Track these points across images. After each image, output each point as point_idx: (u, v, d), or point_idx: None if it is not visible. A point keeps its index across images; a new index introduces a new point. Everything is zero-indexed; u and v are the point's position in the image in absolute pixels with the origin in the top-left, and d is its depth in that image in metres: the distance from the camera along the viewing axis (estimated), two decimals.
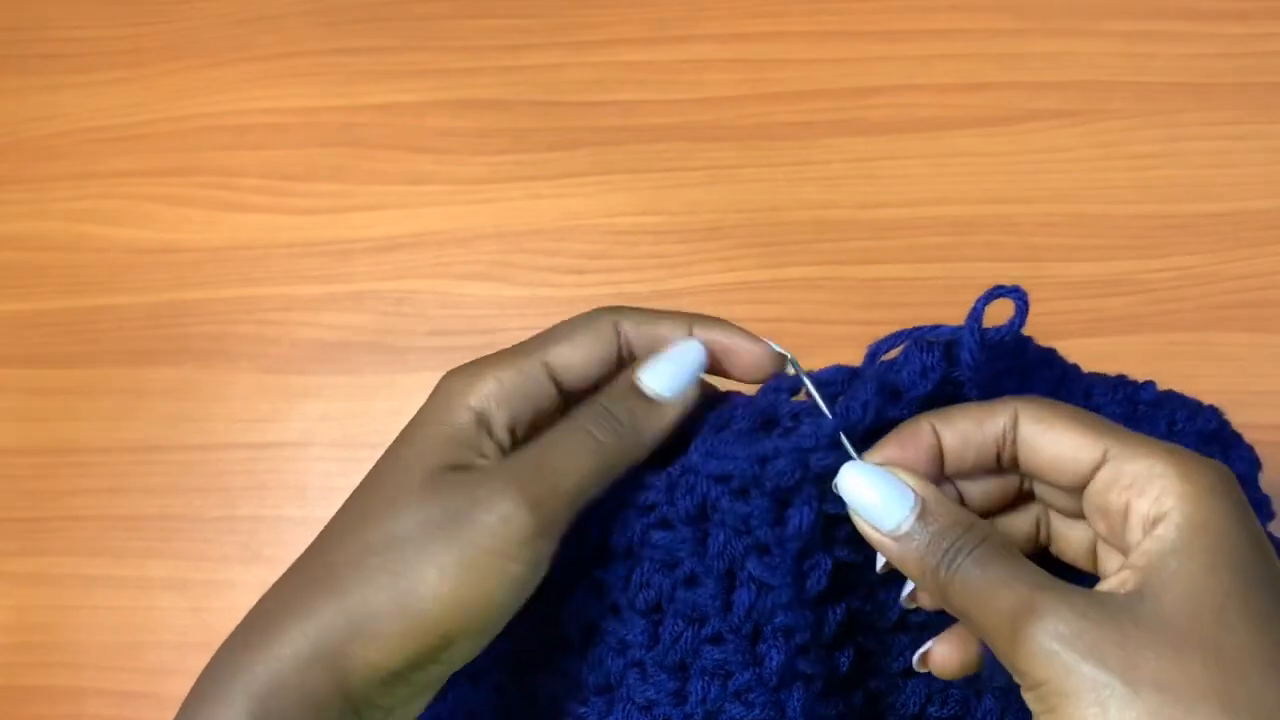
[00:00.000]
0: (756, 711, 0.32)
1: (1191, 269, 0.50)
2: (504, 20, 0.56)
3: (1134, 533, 0.28)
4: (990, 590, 0.27)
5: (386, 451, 0.32)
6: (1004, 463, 0.30)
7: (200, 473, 0.52)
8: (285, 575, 0.31)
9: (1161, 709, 0.25)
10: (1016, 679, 0.28)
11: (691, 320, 0.34)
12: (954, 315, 0.39)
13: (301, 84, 0.57)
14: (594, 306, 0.53)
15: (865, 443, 0.31)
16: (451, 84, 0.56)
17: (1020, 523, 0.32)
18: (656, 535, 0.32)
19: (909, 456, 0.30)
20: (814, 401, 0.31)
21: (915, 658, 0.32)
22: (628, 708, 0.33)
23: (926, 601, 0.31)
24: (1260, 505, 0.35)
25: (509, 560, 0.29)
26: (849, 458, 0.30)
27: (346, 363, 0.52)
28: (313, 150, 0.56)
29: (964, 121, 0.53)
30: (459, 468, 0.30)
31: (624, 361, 0.33)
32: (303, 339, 0.53)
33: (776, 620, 0.32)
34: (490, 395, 0.31)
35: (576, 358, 0.32)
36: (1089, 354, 0.45)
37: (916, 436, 0.30)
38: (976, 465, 0.30)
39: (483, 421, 0.31)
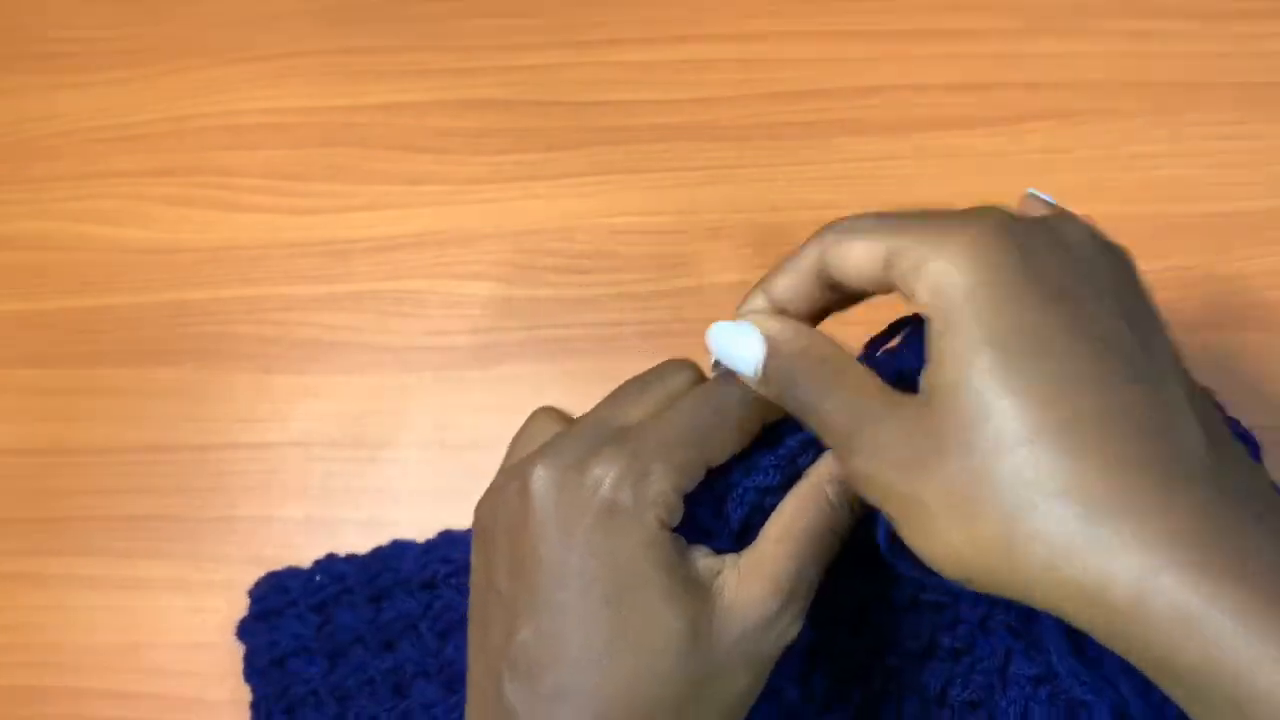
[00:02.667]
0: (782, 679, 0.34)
1: (1191, 269, 0.50)
2: (504, 20, 0.56)
3: (929, 330, 0.28)
4: (823, 425, 0.29)
5: (592, 591, 0.30)
6: (840, 291, 0.32)
7: (200, 473, 0.52)
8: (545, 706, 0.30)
9: (955, 512, 0.26)
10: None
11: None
12: None
13: (301, 84, 0.57)
14: (594, 307, 0.53)
15: None
16: (451, 84, 0.56)
17: None
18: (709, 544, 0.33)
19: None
20: None
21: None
22: None
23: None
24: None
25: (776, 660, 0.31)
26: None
27: (346, 363, 0.52)
28: (313, 150, 0.56)
29: (964, 121, 0.53)
30: (703, 593, 0.30)
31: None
32: (303, 339, 0.53)
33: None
34: (677, 504, 0.31)
35: (730, 446, 0.32)
36: None
37: (748, 304, 0.33)
38: (815, 307, 0.32)
39: (665, 524, 0.31)
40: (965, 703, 0.36)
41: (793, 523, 0.31)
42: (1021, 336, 0.25)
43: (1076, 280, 0.27)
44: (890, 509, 0.28)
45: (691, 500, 0.32)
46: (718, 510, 0.33)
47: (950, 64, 0.53)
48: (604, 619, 0.29)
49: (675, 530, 0.31)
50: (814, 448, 0.33)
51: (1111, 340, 0.26)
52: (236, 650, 0.47)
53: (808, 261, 0.31)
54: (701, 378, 0.34)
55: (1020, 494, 0.25)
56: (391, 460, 0.51)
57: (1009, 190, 0.52)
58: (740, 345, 0.31)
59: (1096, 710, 0.32)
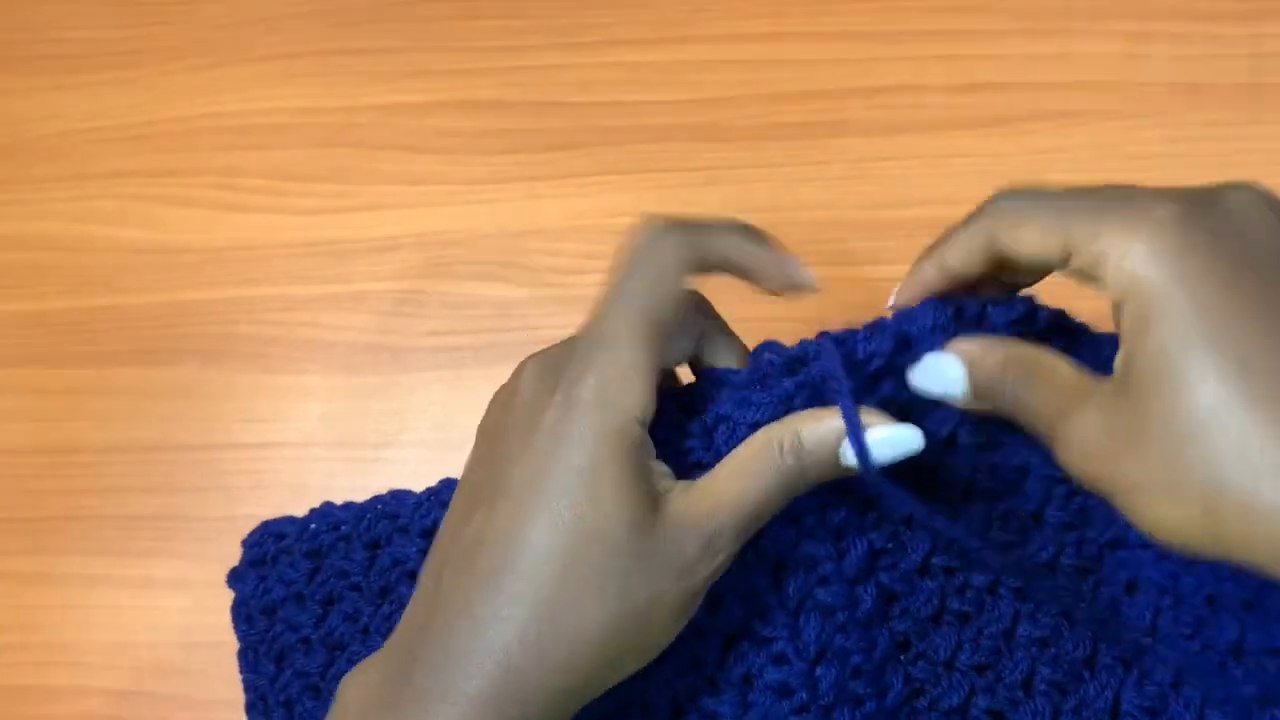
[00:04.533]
0: (774, 629, 0.35)
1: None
2: (504, 21, 0.56)
3: (1120, 318, 0.29)
4: (1033, 424, 0.31)
5: (557, 472, 0.31)
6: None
7: (200, 473, 0.52)
8: (502, 603, 0.30)
9: (1163, 495, 0.27)
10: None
11: (741, 229, 0.36)
12: None
13: (302, 84, 0.57)
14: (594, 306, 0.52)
15: (874, 381, 0.34)
16: (452, 84, 0.56)
17: None
18: (696, 475, 0.34)
19: (916, 296, 0.34)
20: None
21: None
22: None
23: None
24: None
25: (703, 595, 0.32)
26: (858, 382, 0.33)
27: (346, 363, 0.53)
28: (313, 150, 0.56)
29: (964, 121, 0.53)
30: (657, 503, 0.31)
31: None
32: (303, 339, 0.53)
33: (802, 548, 0.35)
34: (647, 398, 0.32)
35: (677, 312, 0.34)
36: None
37: (919, 276, 0.34)
38: (985, 274, 0.33)
39: (645, 426, 0.32)
40: (973, 666, 0.37)
41: (745, 464, 0.32)
42: (1213, 322, 0.27)
43: (1255, 252, 0.28)
44: (1103, 493, 0.29)
45: (684, 433, 0.34)
46: (708, 443, 0.34)
47: (950, 64, 0.53)
48: (550, 503, 0.30)
49: (659, 458, 0.33)
50: (808, 389, 0.34)
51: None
52: (236, 649, 0.47)
53: (978, 240, 0.32)
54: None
55: (1227, 469, 0.26)
56: (391, 460, 0.51)
57: None
58: (945, 371, 0.33)
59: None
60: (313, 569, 0.44)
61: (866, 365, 0.34)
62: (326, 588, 0.43)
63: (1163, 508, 0.27)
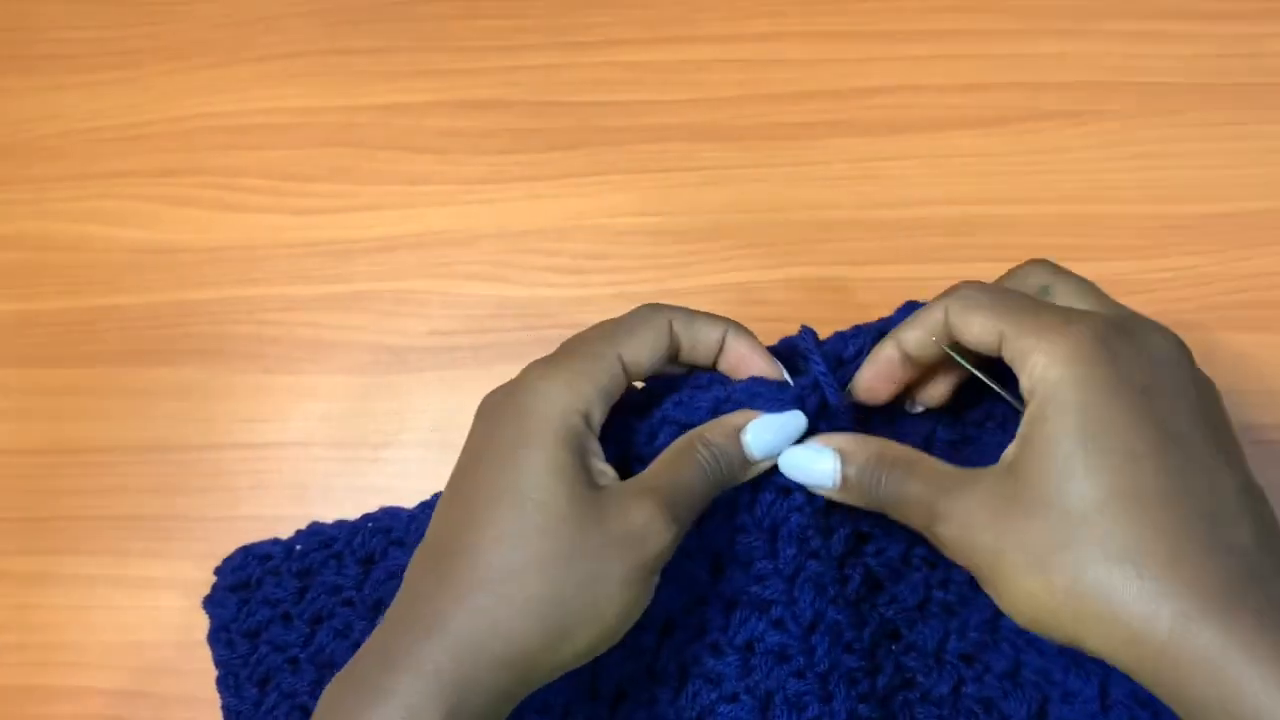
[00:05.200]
0: (770, 592, 0.38)
1: (1191, 269, 0.50)
2: (504, 21, 0.56)
3: (1026, 408, 0.33)
4: (908, 505, 0.34)
5: (500, 455, 0.34)
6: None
7: (200, 473, 0.52)
8: (438, 572, 0.33)
9: (1034, 566, 0.31)
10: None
11: (727, 325, 0.38)
12: None
13: (301, 84, 0.57)
14: (594, 307, 0.53)
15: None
16: (451, 84, 0.56)
17: None
18: (637, 468, 0.37)
19: (881, 372, 0.37)
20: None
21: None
22: (671, 589, 0.38)
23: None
24: None
25: (656, 574, 0.34)
26: (787, 397, 0.37)
27: (346, 363, 0.53)
28: (313, 150, 0.56)
29: (964, 121, 0.53)
30: (594, 483, 0.34)
31: (672, 356, 0.38)
32: (303, 339, 0.53)
33: (792, 521, 0.37)
34: (590, 398, 0.35)
35: (644, 354, 0.37)
36: None
37: (880, 356, 0.37)
38: (939, 355, 0.37)
39: (588, 422, 0.35)
40: (960, 656, 0.38)
41: (673, 459, 0.36)
42: (1102, 426, 0.31)
43: (1156, 382, 0.32)
44: (975, 563, 0.33)
45: (629, 429, 0.37)
46: (650, 438, 0.38)
47: (950, 64, 0.53)
48: (497, 486, 0.33)
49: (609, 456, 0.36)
50: (735, 402, 0.37)
51: (1180, 435, 0.31)
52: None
53: (934, 318, 0.36)
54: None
55: (1088, 552, 0.30)
56: (391, 460, 0.51)
57: (1009, 190, 0.52)
58: (816, 463, 0.36)
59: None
60: (301, 588, 0.44)
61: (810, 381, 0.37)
62: (316, 605, 0.43)
63: (1025, 584, 0.31)
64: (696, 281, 0.52)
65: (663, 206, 0.53)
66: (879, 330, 0.38)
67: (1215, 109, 0.52)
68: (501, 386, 0.36)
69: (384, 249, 0.54)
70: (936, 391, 0.39)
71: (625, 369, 0.36)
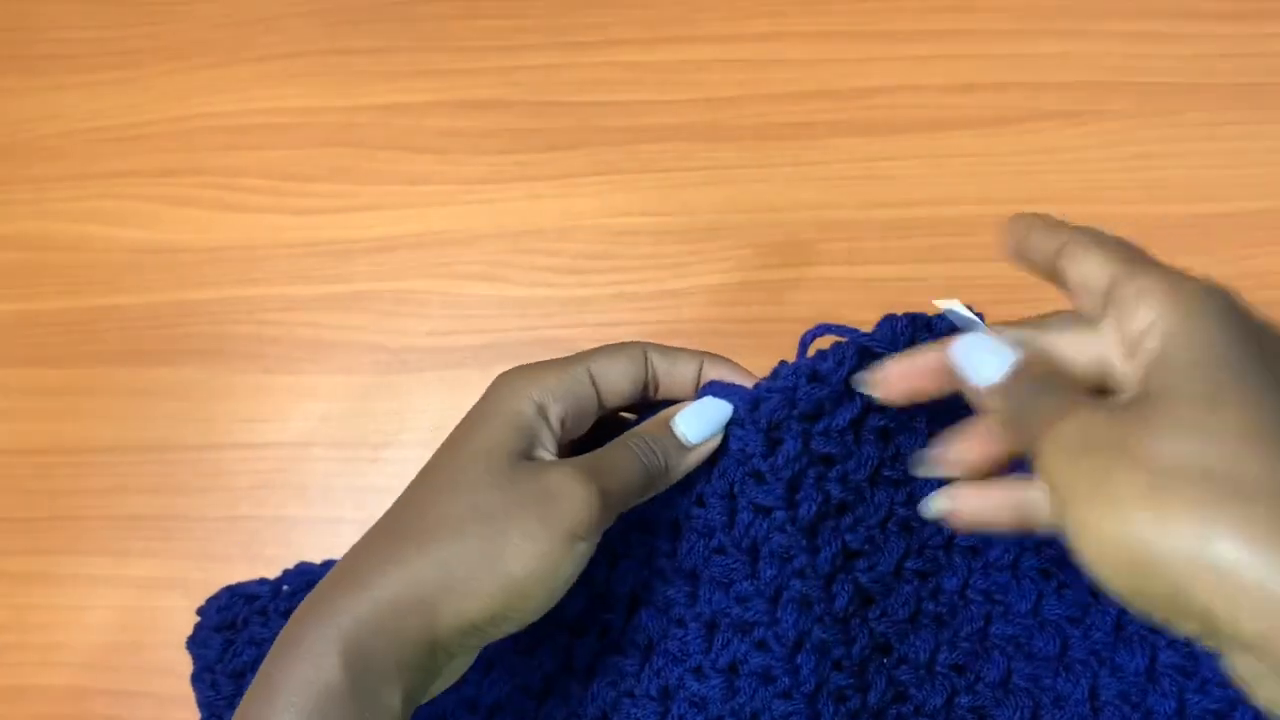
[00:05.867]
0: (751, 614, 0.38)
1: (1191, 269, 0.50)
2: (503, 21, 0.56)
3: (1136, 348, 0.31)
4: (1038, 412, 0.31)
5: (457, 434, 0.36)
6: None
7: (200, 473, 0.52)
8: (374, 534, 0.35)
9: (1155, 489, 0.26)
10: (1049, 490, 0.30)
11: (702, 357, 0.39)
12: None
13: (301, 84, 0.57)
14: (594, 307, 0.53)
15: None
16: (451, 84, 0.56)
17: None
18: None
19: (908, 372, 0.35)
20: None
21: (926, 503, 0.35)
22: (650, 611, 0.39)
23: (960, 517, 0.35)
24: None
25: (580, 540, 0.34)
26: (829, 394, 0.37)
27: (346, 363, 0.53)
28: (313, 150, 0.56)
29: (964, 121, 0.53)
30: (529, 456, 0.35)
31: (649, 386, 0.39)
32: (303, 339, 0.53)
33: (773, 541, 0.37)
34: (549, 390, 0.36)
35: (615, 373, 0.37)
36: None
37: (920, 357, 0.36)
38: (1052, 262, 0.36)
39: (542, 412, 0.36)
40: (951, 667, 0.38)
41: (607, 448, 0.36)
42: (1241, 364, 0.28)
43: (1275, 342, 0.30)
44: (1075, 482, 0.28)
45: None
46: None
47: (950, 64, 0.53)
48: (441, 456, 0.35)
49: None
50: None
51: None
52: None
53: (1052, 245, 0.36)
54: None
55: (1228, 483, 0.26)
56: (391, 460, 0.51)
57: (1009, 190, 0.52)
58: (990, 356, 0.34)
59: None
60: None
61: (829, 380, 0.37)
62: None
63: (1138, 506, 0.27)
64: (696, 281, 0.52)
65: (663, 206, 0.53)
66: (860, 347, 0.37)
67: (1215, 109, 0.52)
68: None
69: (384, 249, 0.54)
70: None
71: (593, 380, 0.37)
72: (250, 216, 0.55)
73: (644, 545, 0.39)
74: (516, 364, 0.37)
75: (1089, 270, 0.33)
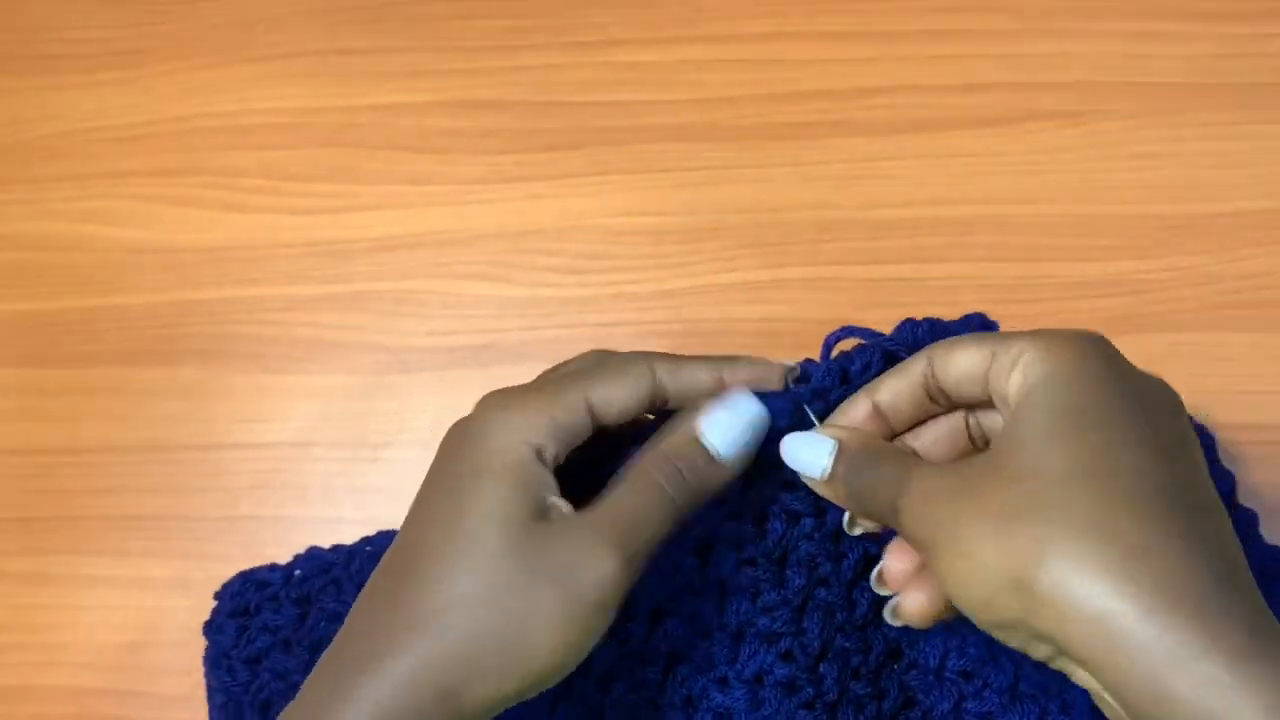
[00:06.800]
0: (778, 624, 0.37)
1: (1191, 269, 0.50)
2: (503, 21, 0.56)
3: (1010, 408, 0.32)
4: (879, 484, 0.33)
5: (448, 486, 0.34)
6: (939, 402, 0.35)
7: (200, 473, 0.52)
8: (379, 598, 0.33)
9: (996, 532, 0.29)
10: (916, 550, 0.33)
11: (720, 365, 0.37)
12: (953, 315, 0.39)
13: (301, 84, 0.57)
14: (594, 307, 0.53)
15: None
16: (451, 84, 0.56)
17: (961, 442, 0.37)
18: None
19: (847, 426, 0.36)
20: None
21: (886, 611, 0.36)
22: (675, 620, 0.38)
23: (891, 576, 0.36)
24: (1221, 479, 0.39)
25: (604, 610, 0.32)
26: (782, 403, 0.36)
27: (346, 363, 0.53)
28: (313, 150, 0.56)
29: (964, 121, 0.53)
30: (539, 515, 0.33)
31: (656, 405, 0.36)
32: (303, 339, 0.53)
33: (801, 549, 0.37)
34: (545, 432, 0.34)
35: (617, 398, 0.35)
36: None
37: (853, 408, 0.36)
38: (916, 413, 0.36)
39: (540, 457, 0.34)
40: (960, 673, 0.39)
41: (628, 485, 0.34)
42: (1091, 410, 0.30)
43: (1150, 397, 0.31)
44: (931, 534, 0.31)
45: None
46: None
47: (950, 64, 0.53)
48: (435, 510, 0.33)
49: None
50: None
51: (1169, 448, 0.30)
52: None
53: (915, 368, 0.35)
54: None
55: (1061, 521, 0.28)
56: (391, 460, 0.51)
57: (1009, 190, 0.52)
58: (808, 451, 0.35)
59: None
60: (300, 615, 0.44)
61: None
62: (316, 633, 0.43)
63: (982, 553, 0.29)
64: (696, 281, 0.52)
65: (663, 206, 0.53)
66: (883, 347, 0.37)
67: (1215, 109, 0.52)
68: (463, 418, 0.35)
69: (384, 249, 0.54)
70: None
71: (592, 411, 0.35)
72: (250, 216, 0.55)
73: (669, 559, 0.38)
74: (516, 364, 0.37)
75: (965, 366, 0.33)
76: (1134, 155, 0.51)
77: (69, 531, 0.52)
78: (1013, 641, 0.30)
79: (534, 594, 0.31)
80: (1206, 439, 0.41)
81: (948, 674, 0.38)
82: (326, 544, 0.48)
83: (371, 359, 0.52)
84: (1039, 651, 0.29)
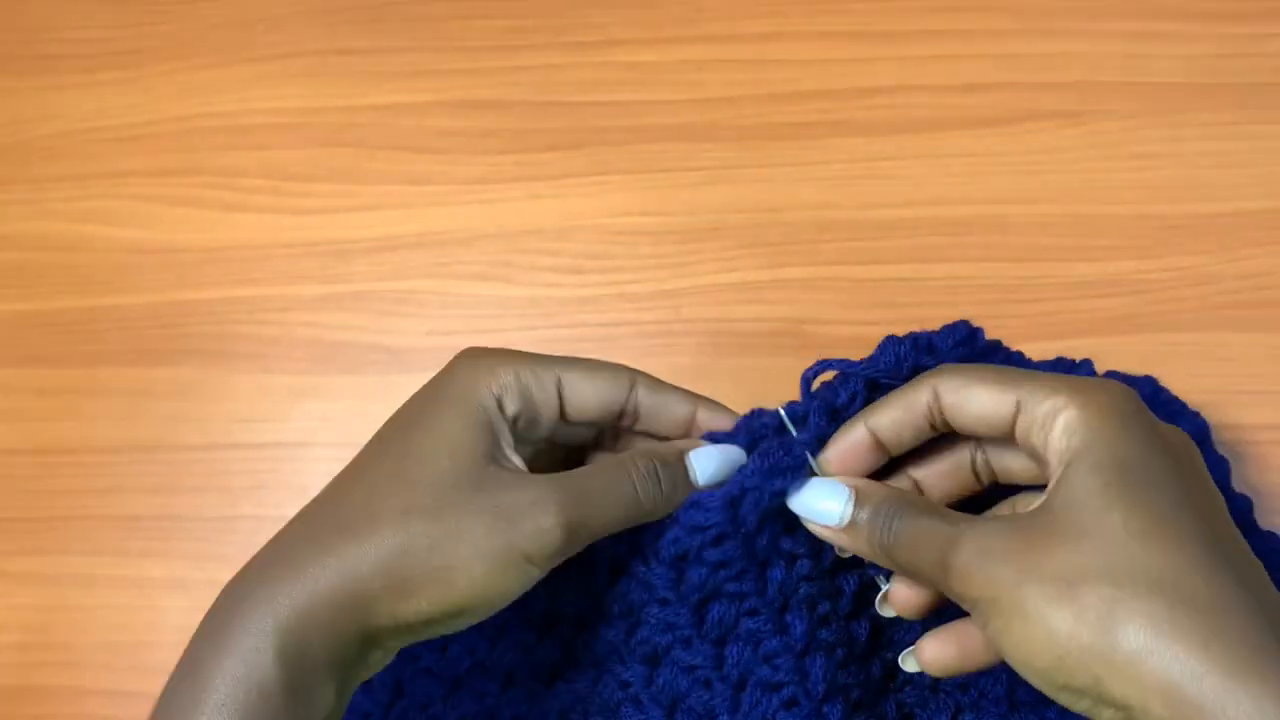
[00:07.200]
0: (781, 674, 0.36)
1: (1191, 269, 0.50)
2: (503, 21, 0.56)
3: (1050, 459, 0.32)
4: (922, 538, 0.32)
5: (412, 413, 0.35)
6: (940, 429, 0.35)
7: (200, 473, 0.52)
8: (315, 510, 0.33)
9: (1063, 594, 0.28)
10: (964, 606, 0.32)
11: (698, 401, 0.37)
12: (953, 315, 0.39)
13: (301, 84, 0.57)
14: (594, 307, 0.53)
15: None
16: (451, 84, 0.56)
17: (966, 473, 0.37)
18: (711, 551, 0.36)
19: (846, 457, 0.35)
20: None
21: (903, 656, 0.35)
22: (674, 670, 0.37)
23: (900, 603, 0.36)
24: (1216, 465, 0.40)
25: (533, 565, 0.32)
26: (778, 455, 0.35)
27: (346, 363, 0.53)
28: (313, 150, 0.56)
29: (964, 121, 0.53)
30: (493, 459, 0.33)
31: (625, 414, 0.36)
32: (303, 339, 0.53)
33: (801, 591, 0.36)
34: (508, 386, 0.34)
35: (586, 389, 0.36)
36: (1088, 354, 0.45)
37: (851, 436, 0.35)
38: (916, 440, 0.35)
39: (501, 407, 0.34)
40: (956, 686, 0.38)
41: (600, 467, 0.34)
42: (1137, 471, 0.30)
43: (1183, 450, 0.32)
44: (991, 594, 0.30)
45: (706, 508, 0.36)
46: (732, 515, 0.36)
47: (950, 64, 0.53)
48: (390, 432, 0.34)
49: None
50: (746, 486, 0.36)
51: (1207, 498, 0.31)
52: None
53: (919, 399, 0.34)
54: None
55: (1131, 580, 0.28)
56: None
57: (1009, 190, 0.52)
58: (826, 499, 0.34)
59: None
60: None
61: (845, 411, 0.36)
62: None
63: (1050, 617, 0.28)
64: (696, 281, 0.52)
65: (663, 206, 0.53)
66: (865, 376, 0.37)
67: (1215, 109, 0.52)
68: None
69: (384, 249, 0.54)
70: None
71: (561, 392, 0.35)
72: (250, 216, 0.55)
73: (664, 619, 0.37)
74: None
75: (987, 408, 0.33)
76: (1134, 155, 0.51)
77: (69, 531, 0.52)
78: (1079, 706, 0.29)
79: (470, 523, 0.32)
80: (1200, 426, 0.41)
81: (944, 687, 0.38)
82: None
83: (371, 359, 0.52)
84: (1106, 716, 0.29)
